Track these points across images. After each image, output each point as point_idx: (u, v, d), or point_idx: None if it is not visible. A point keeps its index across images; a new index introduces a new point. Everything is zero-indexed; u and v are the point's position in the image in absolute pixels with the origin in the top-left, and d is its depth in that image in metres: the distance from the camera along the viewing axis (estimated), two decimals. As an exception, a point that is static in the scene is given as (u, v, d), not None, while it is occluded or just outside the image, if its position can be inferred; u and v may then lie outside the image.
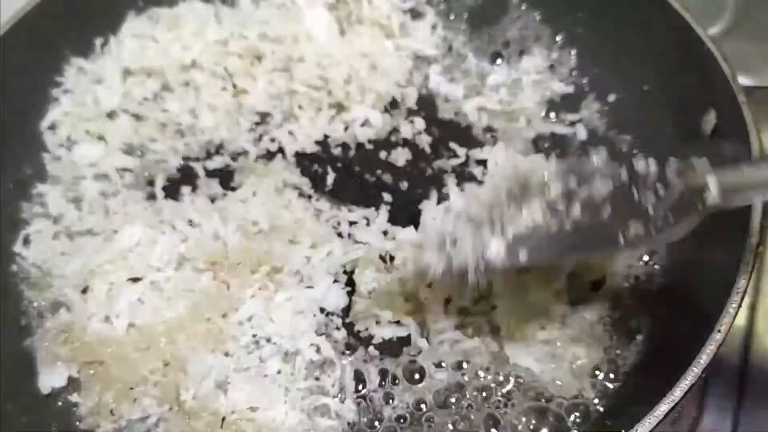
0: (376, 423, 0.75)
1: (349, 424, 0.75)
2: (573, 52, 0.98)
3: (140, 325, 0.79)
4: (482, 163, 0.92)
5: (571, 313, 0.80)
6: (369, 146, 0.95)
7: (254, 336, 0.78)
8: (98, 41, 0.97)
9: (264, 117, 0.96)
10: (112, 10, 0.98)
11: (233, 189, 0.89)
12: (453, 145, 0.94)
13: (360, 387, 0.77)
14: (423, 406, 0.75)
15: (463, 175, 0.91)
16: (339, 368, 0.78)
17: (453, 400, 0.76)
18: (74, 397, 0.77)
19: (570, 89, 0.97)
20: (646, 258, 0.82)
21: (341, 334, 0.80)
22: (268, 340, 0.78)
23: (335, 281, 0.83)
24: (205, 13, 1.00)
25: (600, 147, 0.65)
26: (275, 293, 0.80)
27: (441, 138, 0.95)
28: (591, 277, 0.80)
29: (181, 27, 0.98)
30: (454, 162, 0.92)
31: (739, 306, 0.64)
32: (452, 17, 1.04)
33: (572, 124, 0.95)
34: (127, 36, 0.98)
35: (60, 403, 0.77)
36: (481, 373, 0.77)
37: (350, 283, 0.83)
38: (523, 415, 0.74)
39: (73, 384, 0.78)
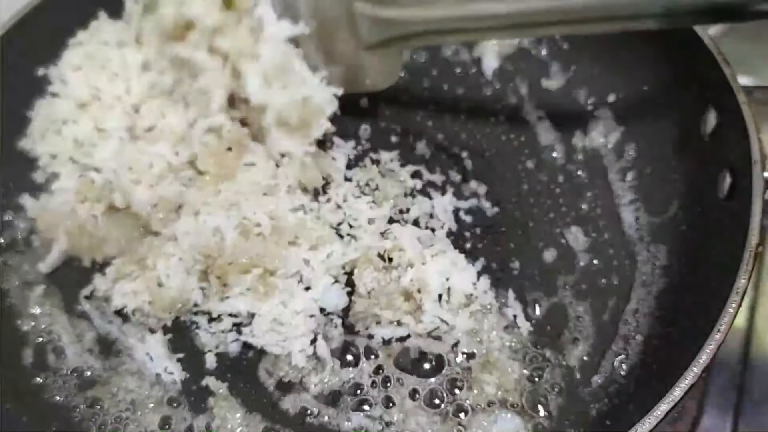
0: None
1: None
2: (572, 52, 0.98)
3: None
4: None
5: (572, 313, 0.81)
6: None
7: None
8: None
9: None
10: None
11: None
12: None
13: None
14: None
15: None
16: (329, 370, 0.78)
17: (443, 401, 0.76)
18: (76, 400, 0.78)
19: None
20: (646, 258, 0.83)
21: (338, 332, 0.81)
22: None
23: (335, 282, 0.83)
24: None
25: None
26: (265, 296, 0.80)
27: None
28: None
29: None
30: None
31: (739, 306, 0.64)
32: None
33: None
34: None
35: (61, 403, 0.78)
36: (477, 374, 0.77)
37: (350, 283, 0.83)
38: (522, 416, 0.74)
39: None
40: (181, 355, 0.80)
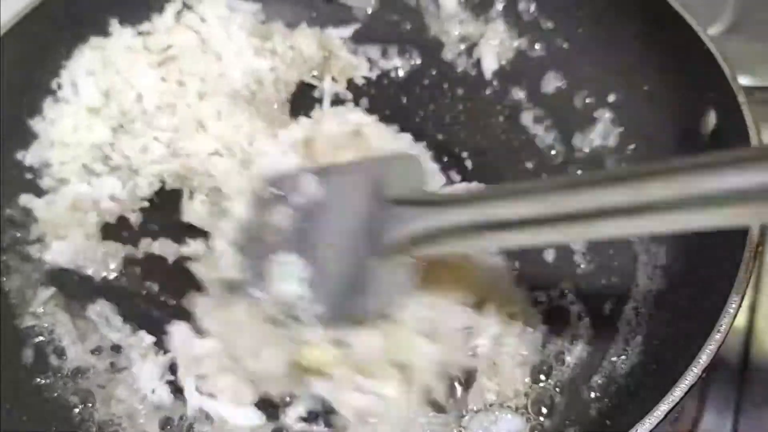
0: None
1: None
2: (572, 52, 0.98)
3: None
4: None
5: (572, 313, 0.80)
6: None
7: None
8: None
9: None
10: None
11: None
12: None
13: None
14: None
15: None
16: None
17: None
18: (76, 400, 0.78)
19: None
20: (646, 258, 0.83)
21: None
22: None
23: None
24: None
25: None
26: None
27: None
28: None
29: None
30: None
31: (739, 306, 0.63)
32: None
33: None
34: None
35: (61, 403, 0.78)
36: (477, 375, 0.77)
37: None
38: (522, 416, 0.74)
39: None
40: (172, 378, 0.79)
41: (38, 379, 0.79)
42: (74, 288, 0.85)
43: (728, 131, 0.75)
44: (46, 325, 0.82)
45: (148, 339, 0.81)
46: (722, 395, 0.78)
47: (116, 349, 0.81)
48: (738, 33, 1.04)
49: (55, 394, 0.78)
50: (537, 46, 1.01)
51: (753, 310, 0.82)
